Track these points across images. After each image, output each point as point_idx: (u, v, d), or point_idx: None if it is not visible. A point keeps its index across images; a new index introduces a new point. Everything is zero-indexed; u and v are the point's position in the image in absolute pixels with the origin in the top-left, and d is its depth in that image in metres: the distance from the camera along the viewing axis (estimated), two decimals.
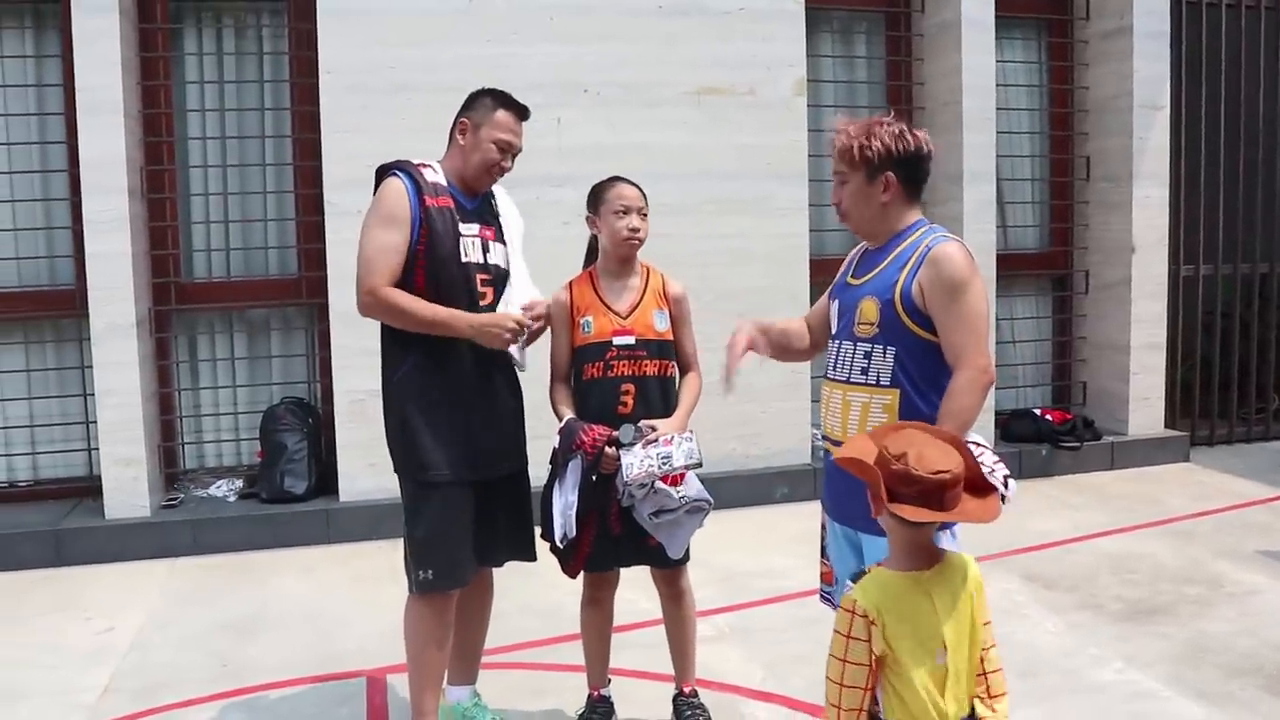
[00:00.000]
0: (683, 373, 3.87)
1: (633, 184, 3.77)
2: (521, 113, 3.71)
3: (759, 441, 6.84)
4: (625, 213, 3.71)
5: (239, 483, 6.76)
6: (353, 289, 3.60)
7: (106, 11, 6.03)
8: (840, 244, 7.43)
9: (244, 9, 6.89)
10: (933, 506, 2.32)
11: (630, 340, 3.70)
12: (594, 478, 3.57)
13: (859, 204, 3.12)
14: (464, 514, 3.61)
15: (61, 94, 6.50)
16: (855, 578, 2.49)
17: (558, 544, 3.64)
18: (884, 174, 3.06)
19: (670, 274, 3.89)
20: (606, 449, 3.55)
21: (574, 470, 3.60)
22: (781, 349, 3.48)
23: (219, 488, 6.74)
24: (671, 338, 3.79)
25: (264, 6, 6.89)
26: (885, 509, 2.36)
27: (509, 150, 3.65)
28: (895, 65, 7.79)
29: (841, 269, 3.32)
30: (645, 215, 3.76)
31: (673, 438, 3.55)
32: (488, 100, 3.67)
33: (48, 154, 6.63)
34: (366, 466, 6.31)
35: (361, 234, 3.58)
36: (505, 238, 3.78)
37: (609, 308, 3.74)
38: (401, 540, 3.70)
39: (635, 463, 3.51)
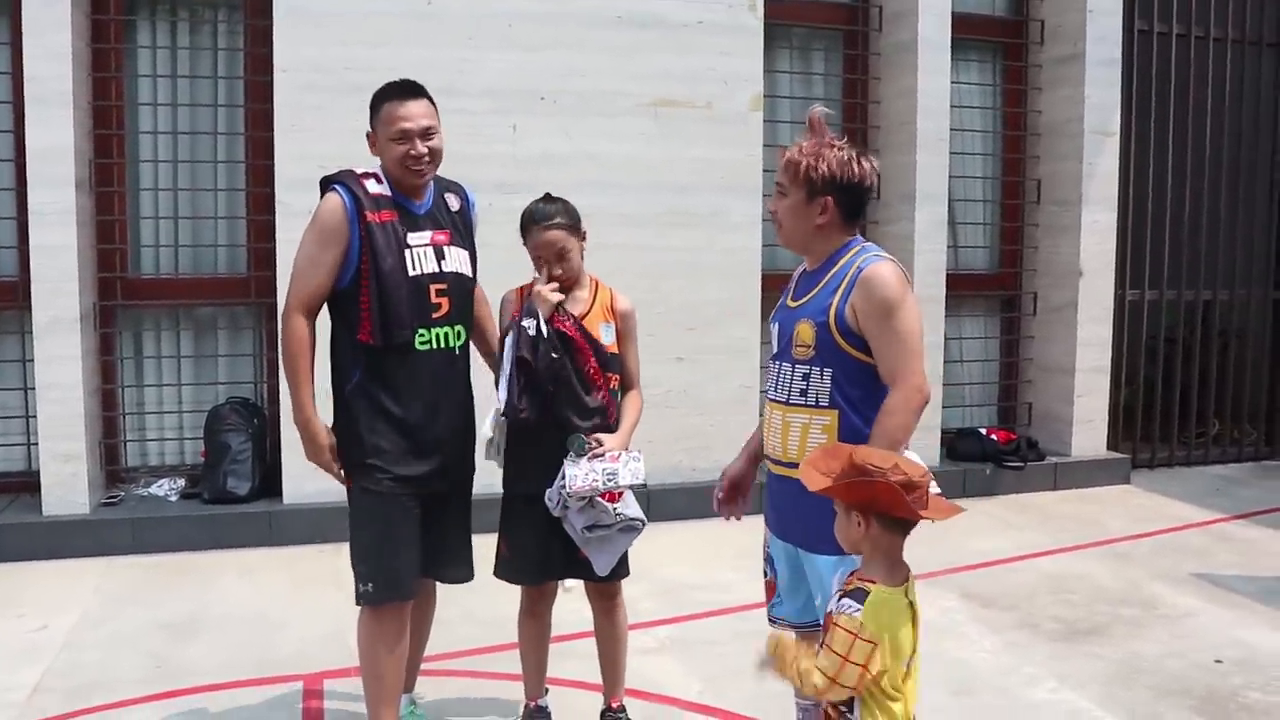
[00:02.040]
0: (625, 390, 3.87)
1: (551, 225, 3.67)
2: (409, 92, 3.53)
3: (706, 455, 6.85)
4: (540, 264, 3.70)
5: (181, 482, 6.68)
6: None
7: (58, 1, 5.95)
8: (793, 260, 7.46)
9: (200, 3, 6.83)
10: (925, 507, 2.49)
11: (575, 342, 3.70)
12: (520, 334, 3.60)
13: (793, 220, 3.14)
14: (405, 525, 3.55)
15: (9, 83, 6.40)
16: (856, 595, 2.52)
17: (503, 413, 3.64)
18: (823, 197, 3.08)
19: (619, 288, 3.90)
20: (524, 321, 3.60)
21: (509, 345, 3.63)
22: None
23: (160, 486, 6.64)
24: (616, 351, 3.79)
25: (220, 1, 6.83)
26: (913, 515, 2.50)
27: (410, 135, 3.46)
28: (852, 83, 7.85)
29: (783, 291, 3.35)
30: (564, 254, 3.67)
31: (620, 455, 3.56)
32: (376, 101, 3.56)
33: None
34: (311, 469, 6.18)
35: (299, 245, 3.54)
36: (465, 238, 3.70)
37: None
38: (345, 545, 3.67)
39: (580, 474, 3.51)
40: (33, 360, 6.19)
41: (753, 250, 7.06)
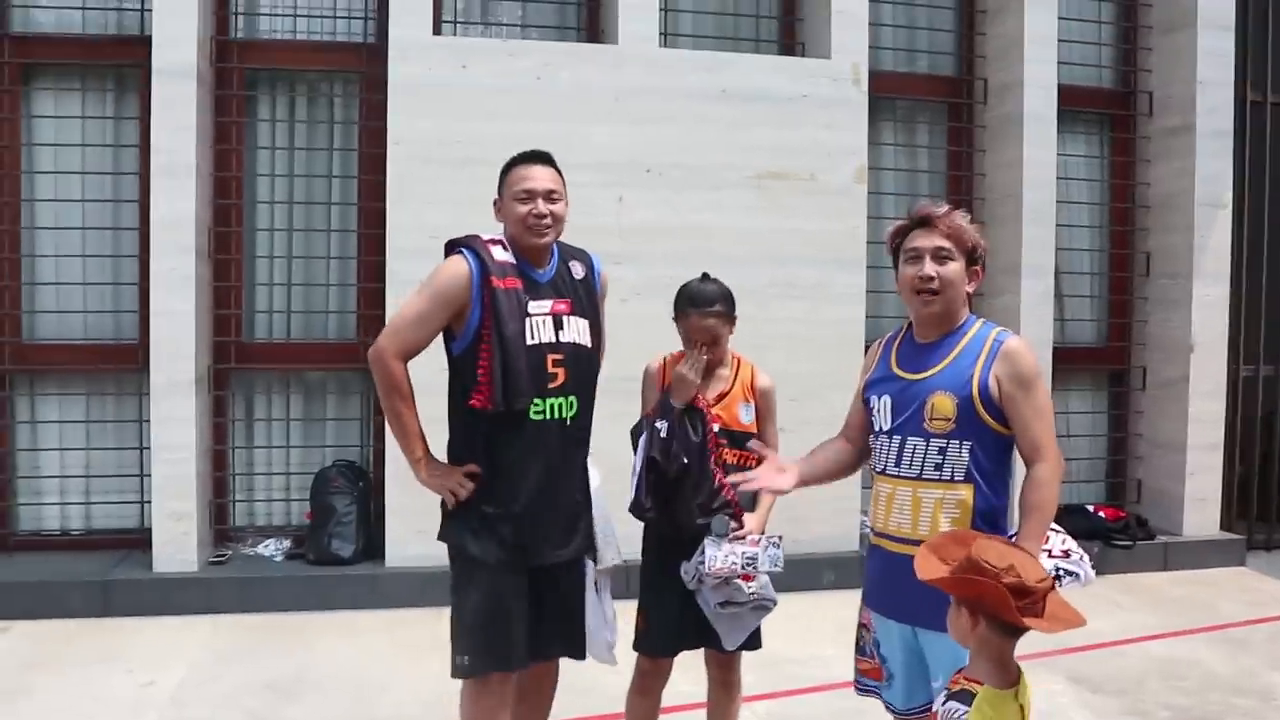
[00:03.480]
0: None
1: (709, 311, 3.74)
2: (535, 158, 3.59)
3: (804, 526, 6.77)
4: (692, 344, 3.74)
5: (287, 543, 6.81)
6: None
7: (185, 78, 6.22)
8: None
9: (317, 79, 7.07)
10: (1038, 615, 2.39)
11: (714, 428, 3.73)
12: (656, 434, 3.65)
13: (956, 286, 3.12)
14: (509, 596, 3.49)
15: (138, 155, 6.67)
16: (960, 696, 2.49)
17: (629, 509, 3.72)
18: (976, 266, 3.13)
19: (760, 365, 3.93)
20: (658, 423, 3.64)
21: (642, 444, 3.68)
22: (824, 478, 3.48)
23: (267, 546, 6.78)
24: (755, 431, 3.80)
25: (337, 76, 7.06)
26: (1019, 623, 2.41)
27: (533, 195, 3.51)
28: (956, 155, 7.83)
29: (874, 365, 3.30)
30: (717, 339, 3.75)
31: (760, 539, 3.58)
32: (504, 169, 3.62)
33: (120, 212, 6.78)
34: (415, 533, 6.31)
35: (411, 294, 3.57)
36: (586, 307, 3.66)
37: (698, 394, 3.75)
38: (447, 609, 3.64)
39: (720, 557, 3.56)
40: (149, 421, 6.38)
41: (856, 321, 7.03)
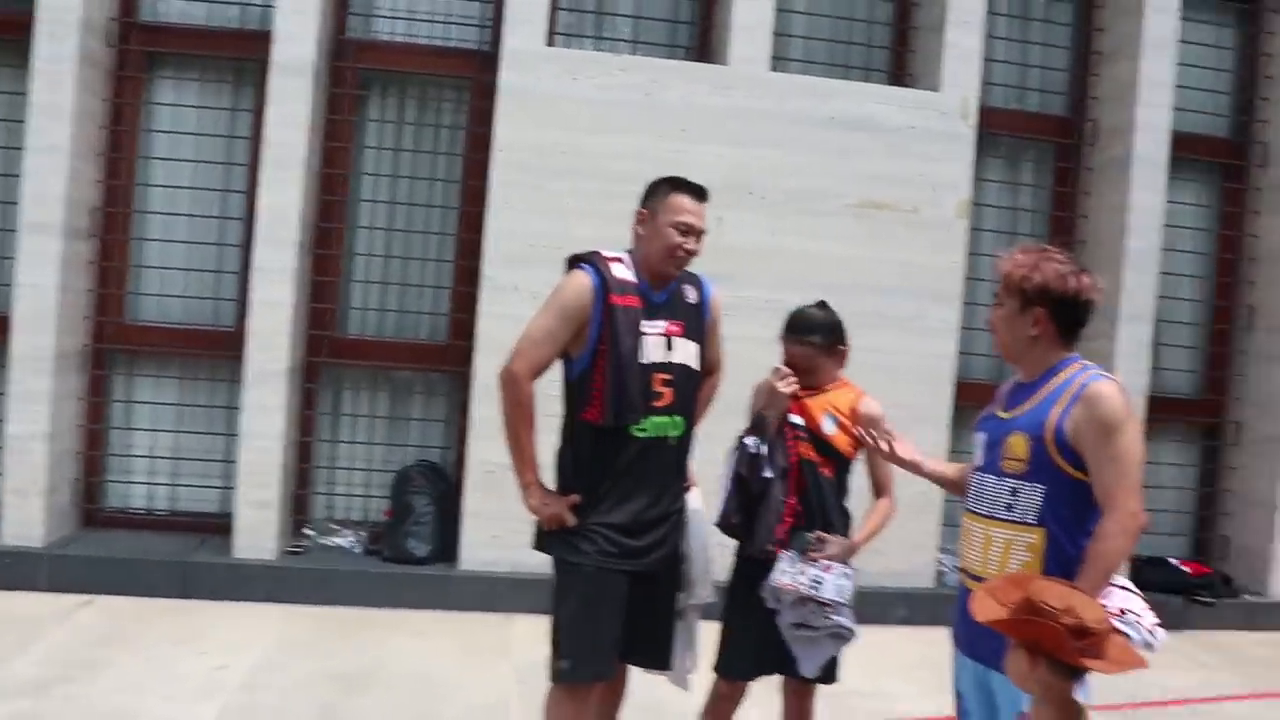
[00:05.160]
0: (877, 495, 3.90)
1: (803, 338, 3.81)
2: (698, 194, 3.67)
3: (881, 561, 6.70)
4: (789, 363, 3.79)
5: (364, 537, 6.87)
6: (499, 362, 3.66)
7: (301, 74, 6.34)
8: (987, 369, 7.33)
9: (429, 83, 7.15)
10: (1099, 657, 2.34)
11: (798, 420, 3.74)
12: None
13: (1007, 330, 3.09)
14: (611, 604, 3.55)
15: (249, 147, 6.81)
16: None
17: (716, 523, 3.77)
18: (1036, 309, 3.02)
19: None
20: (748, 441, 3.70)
21: (732, 459, 3.72)
22: (933, 476, 3.47)
23: (344, 538, 6.85)
24: (836, 444, 3.78)
25: (448, 82, 7.14)
26: (1078, 664, 2.37)
27: (690, 232, 3.60)
28: (1061, 196, 7.71)
29: (991, 402, 3.28)
30: (810, 369, 3.80)
31: (832, 566, 3.55)
32: (664, 186, 3.67)
33: (228, 202, 6.92)
34: (490, 538, 6.36)
35: (536, 312, 3.61)
36: (697, 330, 3.73)
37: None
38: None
39: (790, 571, 3.56)
40: (238, 408, 6.49)
41: (948, 356, 6.95)
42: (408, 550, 6.62)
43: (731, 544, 3.84)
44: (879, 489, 3.87)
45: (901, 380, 6.77)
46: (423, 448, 7.17)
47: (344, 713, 4.79)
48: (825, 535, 3.63)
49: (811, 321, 3.79)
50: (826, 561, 3.59)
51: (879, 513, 3.84)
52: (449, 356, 6.97)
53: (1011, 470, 3.00)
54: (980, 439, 3.19)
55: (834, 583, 3.55)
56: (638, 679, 3.94)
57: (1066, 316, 3.05)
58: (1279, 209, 7.70)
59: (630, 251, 3.69)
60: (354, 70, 6.91)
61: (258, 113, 6.64)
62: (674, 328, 3.64)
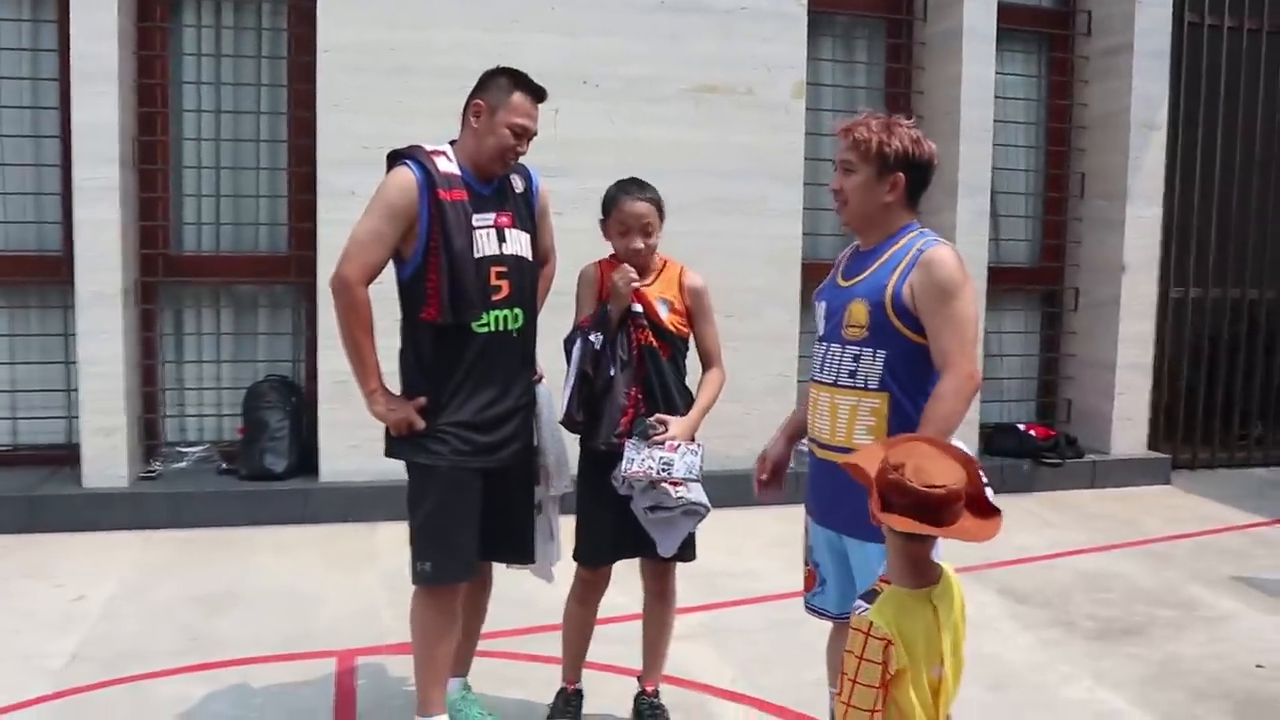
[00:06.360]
0: (705, 368, 3.88)
1: (642, 197, 3.71)
2: (538, 94, 3.57)
3: (742, 443, 6.79)
4: (625, 233, 3.70)
5: (218, 457, 6.74)
6: None
7: None
8: (833, 248, 7.43)
9: None
10: (927, 520, 2.31)
11: (638, 308, 3.70)
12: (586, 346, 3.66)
13: (862, 197, 3.09)
14: (466, 504, 3.52)
15: (57, 60, 6.46)
16: (868, 596, 2.47)
17: (560, 421, 3.74)
18: (895, 174, 3.05)
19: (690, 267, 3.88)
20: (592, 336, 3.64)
21: (575, 355, 3.67)
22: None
23: (196, 460, 6.72)
24: (672, 329, 3.75)
25: None
26: (876, 517, 2.36)
27: (524, 135, 3.52)
28: (895, 72, 7.79)
29: (831, 271, 3.30)
30: (650, 229, 3.71)
31: (679, 445, 3.57)
32: (503, 81, 3.54)
33: (40, 119, 6.59)
34: (348, 448, 6.29)
35: (362, 214, 3.51)
36: (527, 220, 3.68)
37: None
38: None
39: (637, 459, 3.55)
40: (74, 335, 6.25)
41: (794, 238, 7.03)
42: (265, 467, 6.52)
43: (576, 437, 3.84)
44: (708, 360, 3.88)
45: (749, 263, 6.87)
46: (272, 362, 7.01)
47: (209, 634, 4.71)
48: (664, 417, 3.65)
49: (641, 181, 3.76)
50: (672, 442, 3.61)
51: (711, 384, 3.85)
52: (292, 267, 6.80)
53: (853, 337, 3.04)
54: (821, 308, 3.22)
55: (682, 461, 3.57)
56: (506, 575, 3.95)
57: (918, 181, 3.10)
58: (1105, 76, 7.90)
59: (453, 142, 3.60)
60: None
61: (62, 23, 6.28)
62: (504, 219, 3.58)
